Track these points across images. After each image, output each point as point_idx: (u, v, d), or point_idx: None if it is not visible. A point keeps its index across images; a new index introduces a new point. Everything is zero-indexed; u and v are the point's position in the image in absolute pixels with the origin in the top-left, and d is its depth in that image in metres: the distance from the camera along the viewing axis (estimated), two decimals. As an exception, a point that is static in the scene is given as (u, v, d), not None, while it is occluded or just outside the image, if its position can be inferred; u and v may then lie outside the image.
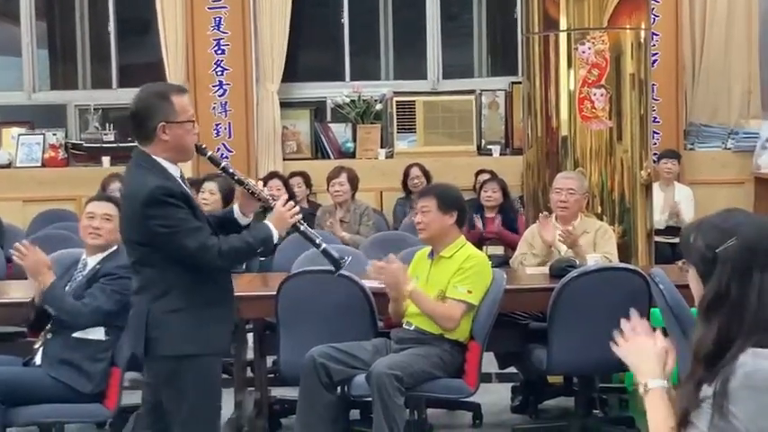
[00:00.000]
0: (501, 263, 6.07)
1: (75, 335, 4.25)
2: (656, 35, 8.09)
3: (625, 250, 5.77)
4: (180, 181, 3.48)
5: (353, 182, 7.27)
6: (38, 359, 4.32)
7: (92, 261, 4.42)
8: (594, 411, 5.29)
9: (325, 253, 3.72)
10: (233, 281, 3.66)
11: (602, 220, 5.73)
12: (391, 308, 4.70)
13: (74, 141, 8.94)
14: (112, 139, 8.77)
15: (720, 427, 2.02)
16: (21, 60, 9.22)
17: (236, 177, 3.65)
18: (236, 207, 3.67)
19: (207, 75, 8.55)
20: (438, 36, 9.18)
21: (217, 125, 8.56)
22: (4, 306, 4.89)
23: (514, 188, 7.69)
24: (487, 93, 8.94)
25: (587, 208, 5.68)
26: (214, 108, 8.54)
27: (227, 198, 6.49)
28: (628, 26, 5.93)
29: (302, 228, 3.65)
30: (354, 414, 5.09)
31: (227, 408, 4.63)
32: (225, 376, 4.32)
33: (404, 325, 4.65)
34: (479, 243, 6.71)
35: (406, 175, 8.18)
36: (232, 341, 4.02)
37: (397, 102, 8.79)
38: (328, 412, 4.46)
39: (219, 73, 8.58)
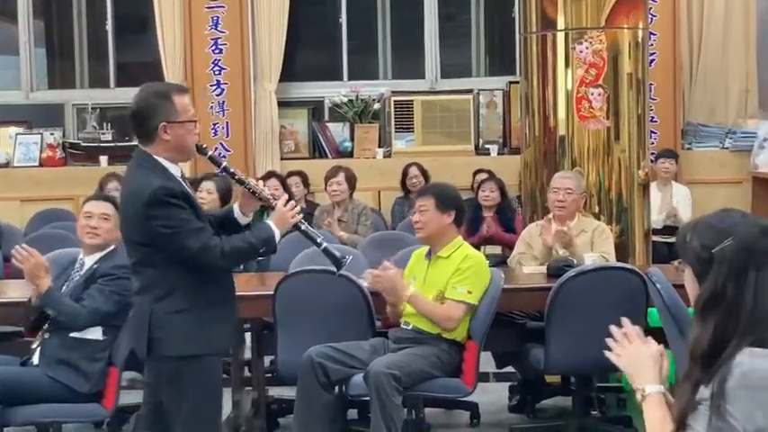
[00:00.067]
0: (499, 262, 6.06)
1: (72, 335, 4.25)
2: (654, 35, 8.09)
3: (622, 250, 5.77)
4: (181, 181, 3.48)
5: (351, 181, 7.27)
6: (35, 359, 4.32)
7: (89, 261, 4.42)
8: (592, 411, 5.29)
9: (327, 252, 3.72)
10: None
11: (599, 219, 5.73)
12: (389, 311, 4.71)
13: (71, 141, 8.93)
14: (110, 138, 8.76)
15: (718, 428, 2.02)
16: (18, 59, 9.21)
17: (236, 177, 3.65)
18: (235, 206, 3.67)
19: (204, 74, 8.55)
20: (436, 36, 9.18)
21: (214, 124, 8.55)
22: (1, 305, 4.88)
23: (512, 188, 7.69)
24: (485, 92, 8.94)
25: (585, 207, 5.68)
26: (212, 107, 8.54)
27: (225, 197, 6.49)
28: (625, 26, 5.93)
29: (303, 227, 3.66)
30: (352, 414, 5.10)
31: (225, 407, 4.62)
32: (223, 376, 4.31)
33: (402, 324, 4.65)
34: (478, 243, 6.71)
35: (405, 174, 8.19)
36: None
37: (394, 101, 8.79)
38: (326, 412, 4.46)
39: (217, 72, 8.58)
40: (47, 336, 4.31)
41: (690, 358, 2.14)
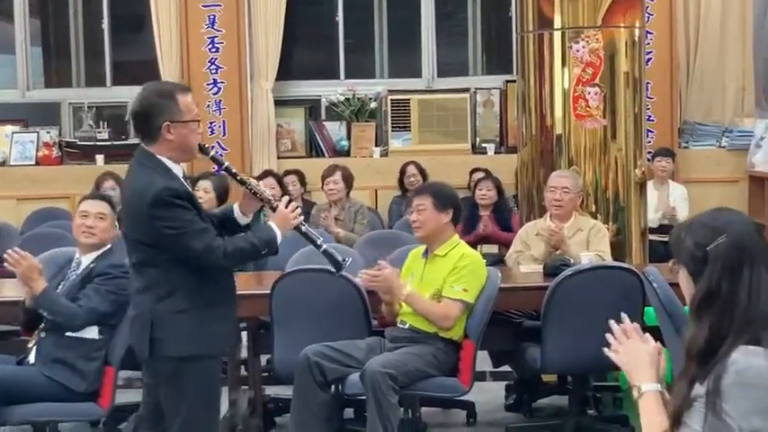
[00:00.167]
0: (495, 261, 6.06)
1: (68, 334, 4.24)
2: (651, 33, 8.08)
3: (619, 249, 5.77)
4: (183, 180, 3.47)
5: (348, 180, 7.27)
6: (31, 358, 4.31)
7: (85, 260, 4.41)
8: (588, 410, 5.30)
9: (327, 254, 3.73)
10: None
11: (596, 218, 5.73)
12: (385, 310, 4.71)
13: (68, 139, 8.92)
14: (106, 137, 8.75)
15: (714, 425, 2.03)
16: (15, 58, 9.20)
17: (238, 177, 3.65)
18: (236, 206, 3.68)
19: (201, 73, 8.54)
20: (433, 34, 9.18)
21: (211, 123, 8.54)
22: (-2, 305, 4.88)
23: (509, 187, 7.69)
24: (482, 91, 8.94)
25: (581, 206, 5.68)
26: (208, 106, 8.53)
27: (222, 196, 6.49)
28: (622, 25, 5.93)
29: (304, 228, 3.66)
30: (348, 413, 5.10)
31: (222, 406, 4.62)
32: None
33: (398, 324, 4.65)
34: (474, 242, 6.71)
35: (403, 173, 8.19)
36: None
37: (391, 100, 8.79)
38: (322, 411, 4.46)
39: (214, 71, 8.57)
40: (43, 335, 4.31)
41: (686, 356, 2.15)
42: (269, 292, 4.67)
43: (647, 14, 7.27)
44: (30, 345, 4.35)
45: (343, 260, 3.76)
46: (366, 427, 4.35)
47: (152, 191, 3.32)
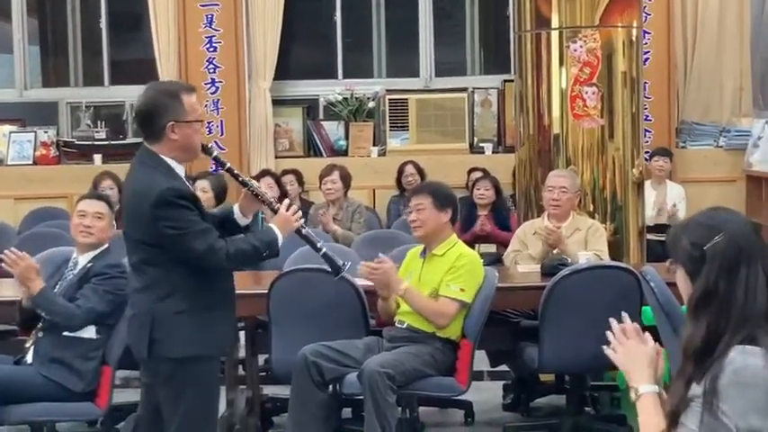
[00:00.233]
0: (493, 261, 6.07)
1: (66, 333, 4.24)
2: (648, 33, 8.10)
3: (617, 248, 5.77)
4: (185, 180, 3.47)
5: (346, 180, 7.27)
6: (29, 358, 4.31)
7: (83, 260, 4.41)
8: (586, 409, 5.30)
9: (326, 257, 3.74)
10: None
11: (593, 218, 5.74)
12: (380, 306, 4.70)
13: (65, 139, 8.91)
14: (104, 136, 8.74)
15: (710, 425, 2.03)
16: (12, 57, 9.19)
17: (240, 179, 3.65)
18: (236, 207, 3.67)
19: (199, 72, 8.53)
20: (431, 34, 9.18)
21: (209, 123, 8.53)
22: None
23: (507, 186, 7.69)
24: (480, 91, 8.94)
25: (579, 206, 5.69)
26: (206, 105, 8.52)
27: (219, 196, 6.50)
28: (619, 24, 5.93)
29: (304, 231, 3.67)
30: (346, 412, 5.10)
31: (219, 406, 4.62)
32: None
33: (396, 323, 4.66)
34: (472, 241, 6.71)
35: (401, 172, 8.18)
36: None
37: (389, 100, 8.79)
38: (320, 410, 4.46)
39: (212, 70, 8.57)
40: (40, 334, 4.30)
41: (683, 356, 2.15)
42: (267, 291, 4.67)
43: (644, 14, 7.27)
44: (27, 344, 4.35)
45: (343, 264, 3.77)
46: (364, 427, 4.35)
47: (155, 191, 3.31)
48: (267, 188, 6.53)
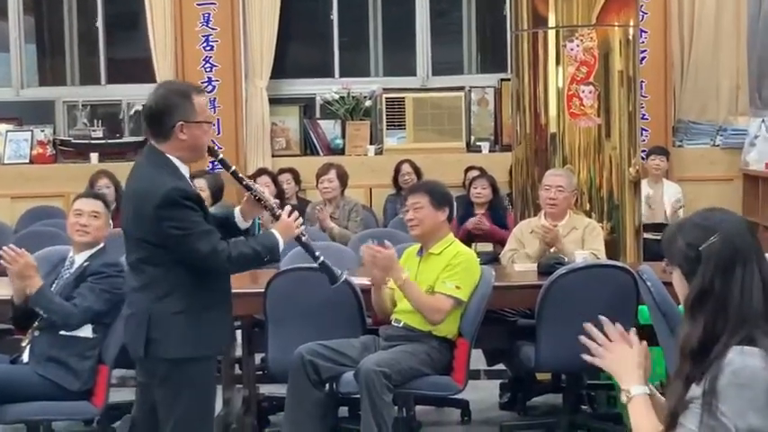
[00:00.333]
0: (490, 260, 6.07)
1: (62, 332, 4.24)
2: (645, 32, 8.10)
3: (613, 247, 5.78)
4: (189, 180, 3.47)
5: (343, 178, 7.27)
6: (25, 357, 4.31)
7: (79, 258, 4.41)
8: (583, 408, 5.31)
9: (324, 266, 3.74)
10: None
11: (590, 217, 5.74)
12: (375, 301, 4.68)
13: (62, 138, 8.90)
14: (101, 135, 8.73)
15: (710, 426, 2.03)
16: (9, 56, 9.18)
17: (244, 182, 3.66)
18: (237, 210, 3.68)
19: (195, 71, 8.53)
20: (427, 32, 9.18)
21: (206, 121, 8.52)
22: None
23: (503, 185, 7.70)
24: (477, 89, 8.94)
25: (576, 205, 5.69)
26: (203, 104, 8.51)
27: (216, 195, 6.49)
28: (616, 23, 5.93)
29: (304, 239, 3.67)
30: (343, 411, 5.10)
31: (216, 405, 4.61)
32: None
33: (392, 322, 4.65)
34: (469, 240, 6.71)
35: (397, 171, 8.18)
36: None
37: (386, 98, 8.79)
38: (317, 409, 4.46)
39: (208, 69, 8.56)
40: (36, 333, 4.30)
41: (680, 356, 2.15)
42: (263, 290, 4.67)
43: (641, 13, 7.29)
44: (23, 344, 4.35)
45: (340, 274, 3.78)
46: (360, 426, 4.35)
47: (161, 190, 3.30)
48: (264, 187, 6.53)
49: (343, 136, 8.88)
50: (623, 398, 2.23)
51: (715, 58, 8.66)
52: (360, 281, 4.71)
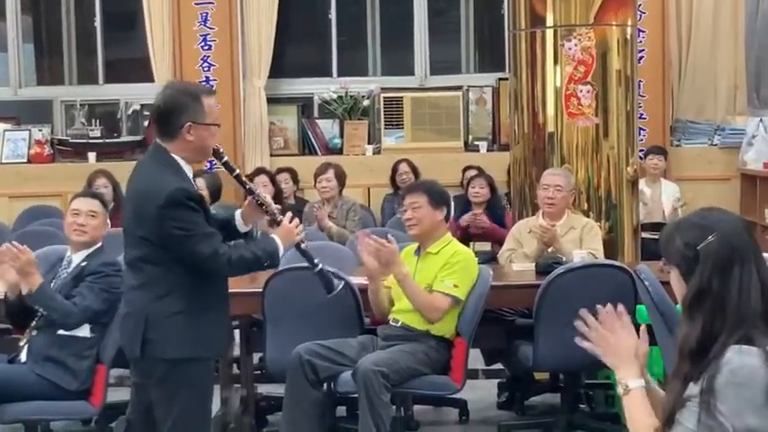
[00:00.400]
0: (488, 259, 6.07)
1: (60, 332, 4.24)
2: (643, 32, 8.10)
3: (611, 247, 5.78)
4: (192, 181, 3.47)
5: (341, 178, 7.27)
6: (23, 356, 4.31)
7: (76, 258, 4.40)
8: (581, 407, 5.31)
9: (321, 274, 3.74)
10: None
11: (588, 216, 5.74)
12: (372, 300, 4.68)
13: (59, 137, 8.89)
14: (98, 134, 8.73)
15: (708, 425, 2.04)
16: (6, 55, 9.18)
17: (247, 187, 3.65)
18: (237, 214, 3.67)
19: (193, 70, 8.52)
20: (425, 32, 9.18)
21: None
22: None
23: (501, 184, 7.70)
24: (475, 89, 8.94)
25: (574, 204, 5.69)
26: (201, 104, 8.51)
27: (214, 194, 6.49)
28: (614, 23, 5.93)
29: (304, 246, 3.67)
30: (341, 411, 5.10)
31: (214, 405, 4.61)
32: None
33: (390, 321, 4.65)
34: (467, 239, 6.71)
35: (395, 171, 8.18)
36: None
37: (384, 98, 8.78)
38: (314, 409, 4.46)
39: (206, 69, 8.56)
40: (34, 333, 4.30)
41: (678, 355, 2.16)
42: (261, 290, 4.67)
43: (639, 12, 7.28)
44: (21, 343, 4.35)
45: (337, 284, 3.79)
46: (358, 426, 4.35)
47: (166, 190, 3.30)
48: (262, 186, 6.53)
49: (342, 135, 8.88)
50: (620, 390, 2.23)
51: (713, 58, 8.66)
52: (358, 280, 4.70)
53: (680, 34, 8.67)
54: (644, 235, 6.40)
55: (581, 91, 5.85)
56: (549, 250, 5.33)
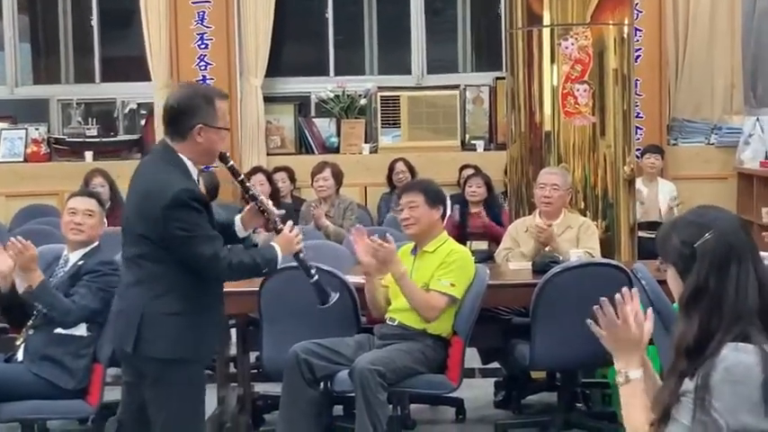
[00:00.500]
0: (485, 258, 6.07)
1: (57, 331, 4.24)
2: (640, 30, 8.11)
3: (608, 245, 5.78)
4: (197, 182, 3.47)
5: (338, 177, 7.27)
6: (20, 355, 4.30)
7: (73, 257, 4.40)
8: (577, 406, 5.31)
9: (317, 285, 3.75)
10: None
11: (585, 215, 5.74)
12: (369, 299, 4.67)
13: (56, 136, 8.90)
14: (95, 133, 8.74)
15: (703, 422, 2.04)
16: (3, 54, 9.18)
17: (250, 192, 3.64)
18: (237, 218, 3.67)
19: (190, 69, 8.52)
20: (422, 31, 9.19)
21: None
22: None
23: (498, 184, 7.70)
24: (472, 88, 8.94)
25: (571, 203, 5.69)
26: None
27: (212, 194, 6.48)
28: (611, 22, 5.93)
29: (302, 255, 3.67)
30: (337, 410, 5.09)
31: (211, 403, 4.61)
32: (208, 372, 4.30)
33: (387, 320, 4.65)
34: (464, 238, 6.71)
35: (391, 169, 8.18)
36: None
37: (381, 97, 8.79)
38: (311, 408, 4.46)
39: (203, 67, 8.56)
40: (31, 332, 4.29)
41: (675, 353, 2.16)
42: (258, 289, 4.66)
43: (635, 11, 7.28)
44: (18, 342, 4.34)
45: (332, 296, 3.79)
46: (355, 425, 4.35)
47: (171, 190, 3.29)
48: (258, 185, 6.53)
49: (338, 134, 8.88)
50: (619, 379, 2.22)
51: (710, 57, 8.66)
52: (354, 279, 4.70)
53: (677, 33, 8.68)
54: (641, 234, 6.40)
55: (578, 90, 5.85)
56: (546, 249, 5.34)
